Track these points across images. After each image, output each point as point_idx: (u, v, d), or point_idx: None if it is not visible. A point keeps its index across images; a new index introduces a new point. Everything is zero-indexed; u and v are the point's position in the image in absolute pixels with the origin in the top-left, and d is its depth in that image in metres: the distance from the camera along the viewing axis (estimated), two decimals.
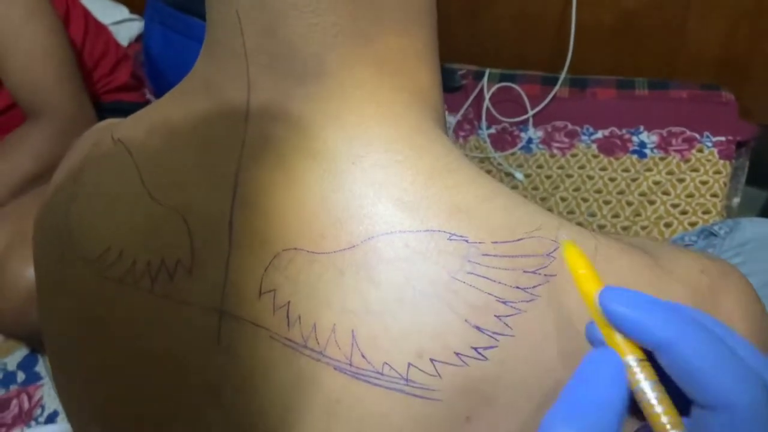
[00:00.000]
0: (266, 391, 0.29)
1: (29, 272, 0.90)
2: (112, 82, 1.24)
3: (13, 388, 1.00)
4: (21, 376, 1.01)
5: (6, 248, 0.95)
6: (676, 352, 0.23)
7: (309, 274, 0.29)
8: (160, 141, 0.34)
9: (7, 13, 0.94)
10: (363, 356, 0.28)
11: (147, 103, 1.31)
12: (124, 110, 1.20)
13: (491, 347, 0.27)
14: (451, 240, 0.28)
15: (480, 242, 0.28)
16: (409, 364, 0.27)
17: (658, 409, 0.23)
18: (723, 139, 1.15)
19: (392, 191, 0.29)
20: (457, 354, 0.27)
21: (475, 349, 0.27)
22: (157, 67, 1.34)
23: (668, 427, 0.23)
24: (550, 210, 1.14)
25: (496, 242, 0.28)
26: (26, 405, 0.98)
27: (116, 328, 0.33)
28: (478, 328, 0.27)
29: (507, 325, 0.27)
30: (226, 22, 0.31)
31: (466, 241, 0.28)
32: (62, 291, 0.36)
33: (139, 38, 1.50)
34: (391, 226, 0.28)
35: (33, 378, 1.00)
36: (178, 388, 0.32)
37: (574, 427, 0.22)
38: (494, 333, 0.27)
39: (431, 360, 0.27)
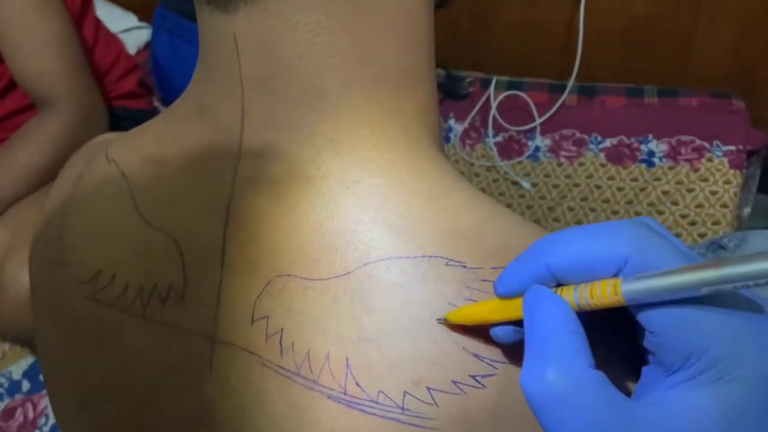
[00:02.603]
0: (258, 419, 0.29)
1: (27, 276, 0.91)
2: (118, 89, 1.25)
3: (18, 397, 1.00)
4: (26, 385, 1.01)
5: (5, 252, 0.95)
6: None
7: (303, 300, 0.28)
8: (153, 166, 0.33)
9: (14, 1, 0.94)
10: (357, 384, 0.27)
11: (153, 110, 1.32)
12: (128, 117, 1.22)
13: (490, 375, 0.27)
14: (448, 265, 0.28)
15: (478, 267, 0.27)
16: (405, 393, 0.27)
17: (596, 284, 0.23)
18: (733, 148, 1.14)
19: (388, 216, 0.28)
20: (454, 382, 0.27)
21: (474, 377, 0.27)
22: (164, 75, 1.35)
23: (611, 284, 0.23)
24: (557, 221, 1.13)
25: (494, 268, 0.27)
26: (31, 414, 0.98)
27: (106, 352, 0.33)
28: (476, 355, 0.27)
29: (506, 352, 0.27)
30: (221, 45, 0.30)
31: (464, 266, 0.27)
32: (54, 310, 0.35)
33: (148, 46, 1.51)
34: (387, 251, 0.28)
35: (38, 387, 1.01)
36: (168, 415, 0.31)
37: (547, 367, 0.22)
38: (493, 360, 0.27)
39: (428, 388, 0.27)
